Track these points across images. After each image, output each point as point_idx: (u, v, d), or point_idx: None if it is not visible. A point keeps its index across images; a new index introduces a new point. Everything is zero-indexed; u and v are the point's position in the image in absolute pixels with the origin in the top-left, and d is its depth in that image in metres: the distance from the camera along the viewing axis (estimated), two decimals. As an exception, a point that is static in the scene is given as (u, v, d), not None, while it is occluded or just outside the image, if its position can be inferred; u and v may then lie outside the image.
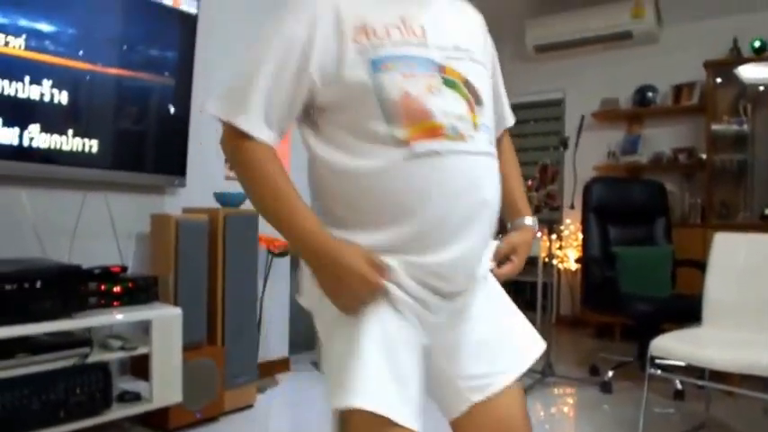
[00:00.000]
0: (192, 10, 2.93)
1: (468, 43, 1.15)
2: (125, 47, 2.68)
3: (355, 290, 1.02)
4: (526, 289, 5.56)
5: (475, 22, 1.24)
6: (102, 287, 2.37)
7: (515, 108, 1.43)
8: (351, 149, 1.05)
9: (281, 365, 3.62)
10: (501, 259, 1.23)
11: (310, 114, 1.11)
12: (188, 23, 2.92)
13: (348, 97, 1.06)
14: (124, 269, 2.54)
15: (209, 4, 3.09)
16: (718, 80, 4.65)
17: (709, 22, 4.77)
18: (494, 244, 1.22)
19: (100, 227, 2.69)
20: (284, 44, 1.05)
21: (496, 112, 1.26)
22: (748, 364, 2.25)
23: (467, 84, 1.10)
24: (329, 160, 1.07)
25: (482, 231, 1.09)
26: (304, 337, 4.04)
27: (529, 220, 1.32)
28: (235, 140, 1.05)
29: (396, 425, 0.97)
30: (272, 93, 1.05)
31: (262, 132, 1.04)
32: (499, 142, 1.31)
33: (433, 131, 1.04)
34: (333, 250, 1.02)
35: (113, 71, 2.63)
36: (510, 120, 1.39)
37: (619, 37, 4.98)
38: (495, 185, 1.12)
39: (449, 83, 1.08)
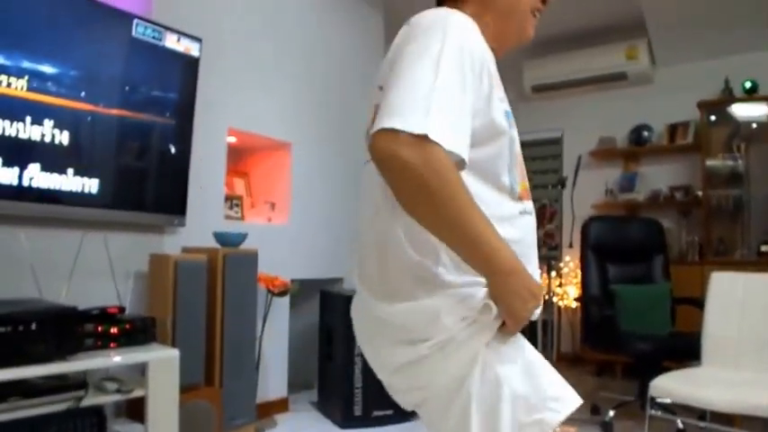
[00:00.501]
0: (195, 53, 2.99)
1: None
2: (127, 88, 2.72)
3: (537, 303, 1.05)
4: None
5: None
6: (99, 328, 2.33)
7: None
8: (478, 197, 0.98)
9: (280, 406, 3.57)
10: None
11: None
12: (190, 66, 2.98)
13: (490, 140, 1.03)
14: (122, 310, 2.52)
15: (211, 48, 3.15)
16: (712, 119, 4.71)
17: (702, 64, 4.87)
18: None
19: (98, 266, 2.68)
20: (475, 65, 0.99)
21: None
22: (748, 405, 2.23)
23: None
24: None
25: None
26: (303, 377, 4.00)
27: None
28: (429, 151, 0.90)
29: None
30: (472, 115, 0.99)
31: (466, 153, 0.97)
32: None
33: (528, 192, 1.13)
34: (523, 267, 1.01)
35: (115, 112, 2.67)
36: None
37: (614, 78, 5.06)
38: None
39: None
